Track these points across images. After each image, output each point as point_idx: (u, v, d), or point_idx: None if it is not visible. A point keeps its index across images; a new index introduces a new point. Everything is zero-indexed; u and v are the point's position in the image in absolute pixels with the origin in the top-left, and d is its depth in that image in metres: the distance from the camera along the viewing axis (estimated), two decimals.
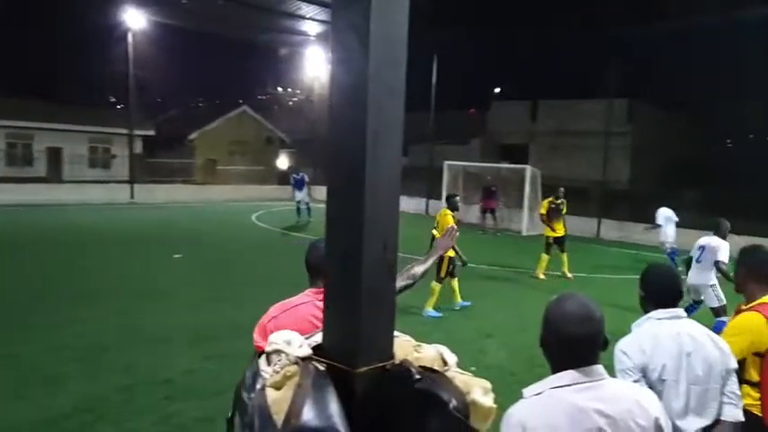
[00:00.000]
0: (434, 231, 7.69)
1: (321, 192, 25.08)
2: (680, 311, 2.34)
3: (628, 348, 2.27)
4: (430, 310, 7.60)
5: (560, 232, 10.70)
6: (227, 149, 26.76)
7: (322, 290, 2.01)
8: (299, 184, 17.51)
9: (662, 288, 2.39)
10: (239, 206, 20.76)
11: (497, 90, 32.01)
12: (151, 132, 25.61)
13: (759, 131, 32.21)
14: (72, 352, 5.64)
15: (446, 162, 18.82)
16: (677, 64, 24.53)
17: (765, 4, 14.89)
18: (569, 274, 10.59)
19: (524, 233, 16.95)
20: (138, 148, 26.32)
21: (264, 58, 25.79)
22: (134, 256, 10.95)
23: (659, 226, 12.05)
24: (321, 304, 1.99)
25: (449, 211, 7.72)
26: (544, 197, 12.66)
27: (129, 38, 20.68)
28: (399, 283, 1.95)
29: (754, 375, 2.59)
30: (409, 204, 21.45)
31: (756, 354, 2.55)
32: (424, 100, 21.42)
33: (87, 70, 28.99)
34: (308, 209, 17.39)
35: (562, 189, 10.94)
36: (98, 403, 4.53)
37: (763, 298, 2.66)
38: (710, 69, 23.87)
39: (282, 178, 27.54)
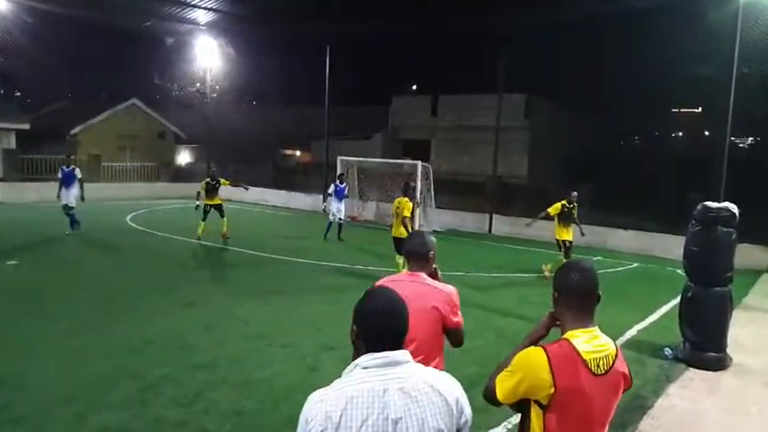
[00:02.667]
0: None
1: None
2: (398, 356, 1.71)
3: (311, 411, 1.65)
4: None
5: (568, 236, 10.66)
6: (115, 145, 24.75)
7: (416, 273, 3.05)
8: (67, 181, 12.99)
9: (373, 325, 1.75)
10: (120, 205, 19.10)
11: (414, 87, 31.88)
12: (26, 126, 23.18)
13: (663, 128, 33.79)
14: None
15: (339, 157, 18.16)
16: (576, 61, 25.09)
17: None
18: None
19: (417, 229, 16.55)
20: (12, 143, 23.81)
21: (156, 49, 23.95)
22: None
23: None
24: (412, 285, 2.93)
25: (407, 199, 9.32)
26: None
27: None
28: None
29: None
30: (305, 201, 20.64)
31: (537, 403, 1.99)
32: (332, 94, 20.59)
33: None
34: (72, 216, 13.10)
35: (575, 193, 10.67)
36: None
37: (573, 331, 2.04)
38: (611, 65, 24.57)
39: (178, 175, 25.93)
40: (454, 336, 3.05)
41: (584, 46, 23.26)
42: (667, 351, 6.72)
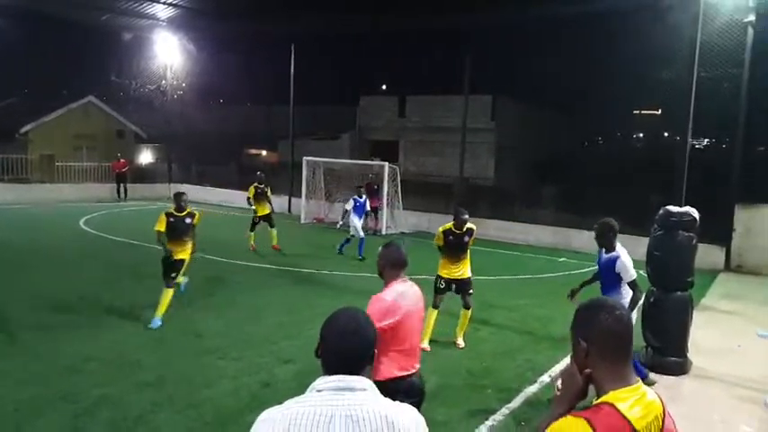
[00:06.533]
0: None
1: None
2: (353, 381, 1.61)
3: (255, 429, 1.59)
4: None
5: (456, 272, 6.88)
6: (70, 144, 23.81)
7: (406, 279, 3.37)
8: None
9: (330, 346, 1.68)
10: (74, 207, 18.35)
11: (384, 87, 31.61)
12: None
13: (625, 129, 34.31)
14: None
15: (305, 158, 17.82)
16: (542, 63, 25.26)
17: None
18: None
19: (384, 232, 16.37)
20: None
21: (113, 45, 23.10)
22: None
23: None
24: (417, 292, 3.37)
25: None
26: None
27: None
28: None
29: None
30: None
31: None
32: (299, 94, 20.23)
33: None
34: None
35: (466, 216, 7.02)
36: None
37: (617, 392, 1.59)
38: (579, 67, 24.79)
39: (139, 176, 25.11)
40: None
41: (550, 48, 23.46)
42: None
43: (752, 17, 12.68)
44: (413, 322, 3.27)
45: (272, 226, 12.43)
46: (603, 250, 5.41)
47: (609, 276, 5.33)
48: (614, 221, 5.41)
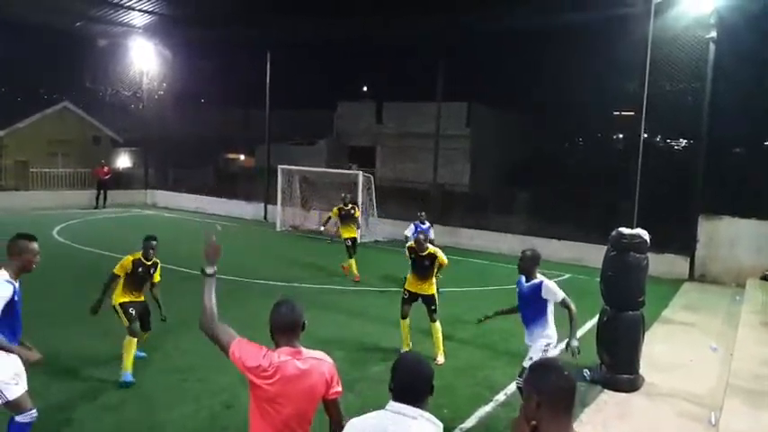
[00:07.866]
0: None
1: (156, 196, 23.04)
2: (408, 410, 2.20)
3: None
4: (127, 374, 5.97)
5: (424, 288, 7.37)
6: (45, 150, 23.58)
7: (298, 348, 2.73)
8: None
9: (396, 380, 2.29)
10: (49, 215, 18.17)
11: (362, 90, 31.75)
12: None
13: (604, 131, 34.66)
14: None
15: (279, 166, 17.90)
16: (518, 69, 25.57)
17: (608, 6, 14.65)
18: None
19: (358, 240, 16.47)
20: None
21: (89, 51, 22.91)
22: None
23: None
24: (302, 365, 2.66)
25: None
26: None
27: None
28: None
29: None
30: (246, 210, 20.25)
31: None
32: (276, 99, 20.27)
33: None
34: None
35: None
36: None
37: None
38: (552, 72, 25.12)
39: (115, 181, 24.90)
40: (335, 409, 2.77)
41: (526, 57, 23.75)
42: (586, 373, 6.88)
43: (713, 33, 13.15)
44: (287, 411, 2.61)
45: (354, 252, 11.32)
46: (524, 279, 5.31)
47: (535, 305, 5.22)
48: (537, 252, 5.36)
